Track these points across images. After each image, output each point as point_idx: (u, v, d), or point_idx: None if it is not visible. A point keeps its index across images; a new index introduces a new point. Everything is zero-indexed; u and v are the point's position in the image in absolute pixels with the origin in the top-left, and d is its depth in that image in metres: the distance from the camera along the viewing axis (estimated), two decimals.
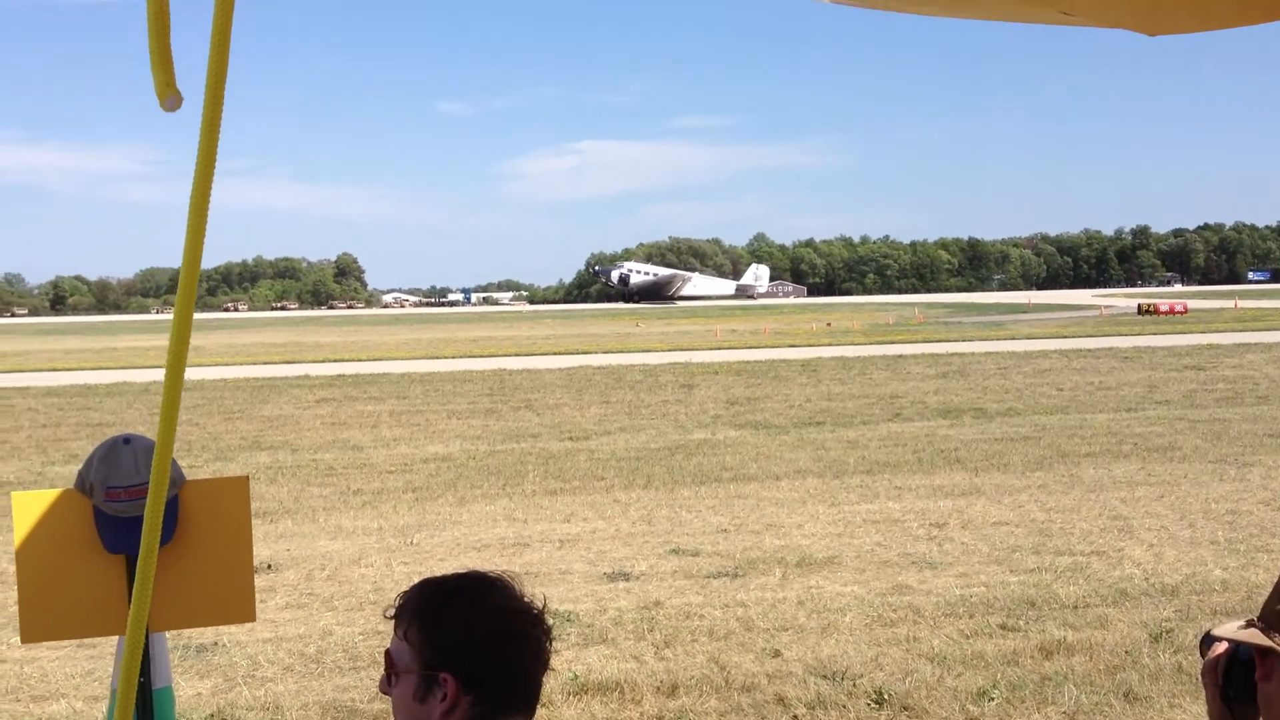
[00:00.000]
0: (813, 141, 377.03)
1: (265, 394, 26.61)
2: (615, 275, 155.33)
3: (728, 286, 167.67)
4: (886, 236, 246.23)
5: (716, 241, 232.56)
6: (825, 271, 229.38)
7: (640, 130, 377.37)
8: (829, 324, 63.83)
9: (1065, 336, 43.90)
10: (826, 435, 17.82)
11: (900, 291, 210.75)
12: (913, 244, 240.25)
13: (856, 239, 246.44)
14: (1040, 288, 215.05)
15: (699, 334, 55.65)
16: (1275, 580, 1.85)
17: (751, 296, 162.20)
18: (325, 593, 8.75)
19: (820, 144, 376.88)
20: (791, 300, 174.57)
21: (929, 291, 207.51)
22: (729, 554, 9.72)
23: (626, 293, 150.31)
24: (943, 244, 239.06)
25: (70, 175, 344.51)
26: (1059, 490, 12.59)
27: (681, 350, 41.00)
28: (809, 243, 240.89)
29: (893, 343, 42.54)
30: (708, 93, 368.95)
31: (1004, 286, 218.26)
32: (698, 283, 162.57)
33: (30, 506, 3.60)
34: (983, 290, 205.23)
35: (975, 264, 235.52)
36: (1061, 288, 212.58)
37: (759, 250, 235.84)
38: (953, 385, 25.23)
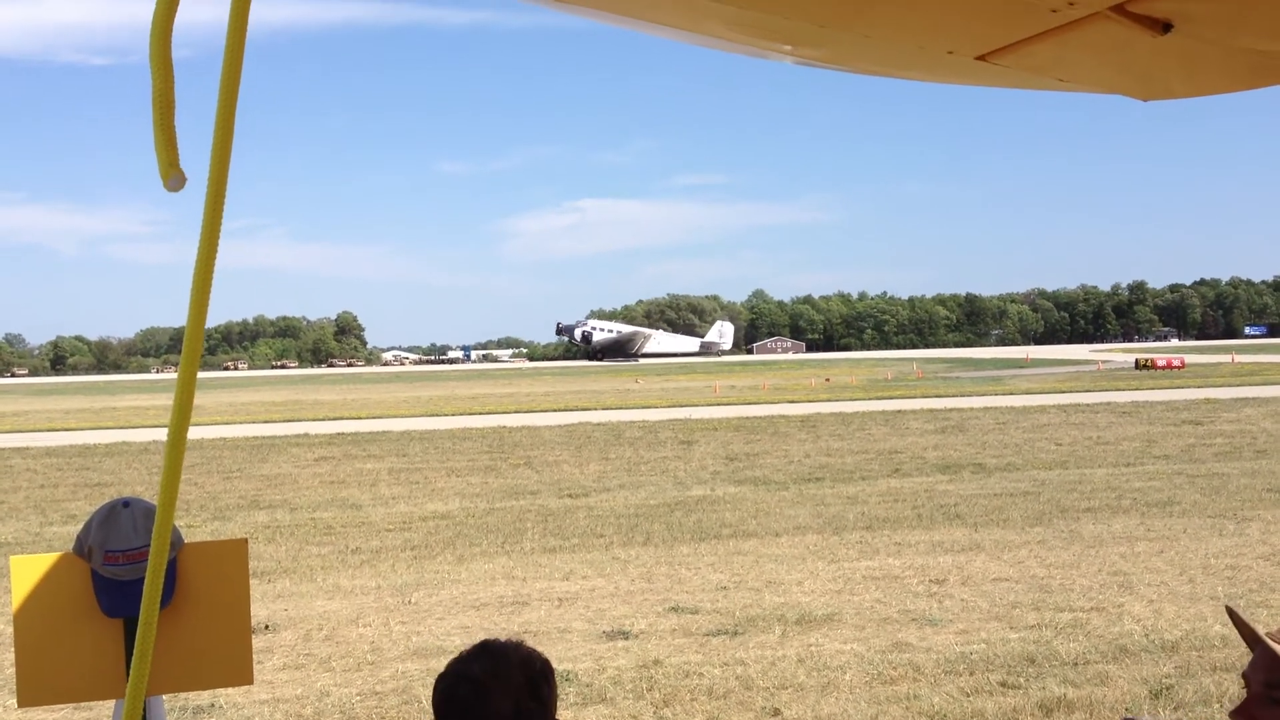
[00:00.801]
0: (811, 199, 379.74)
1: (264, 453, 26.58)
2: (579, 333, 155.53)
3: (691, 344, 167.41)
4: (884, 292, 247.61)
5: (716, 298, 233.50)
6: (824, 327, 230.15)
7: (640, 189, 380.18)
8: (828, 379, 63.90)
9: (1063, 391, 43.93)
10: (826, 491, 17.80)
11: (898, 347, 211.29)
12: (911, 300, 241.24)
13: (855, 295, 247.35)
14: (1038, 343, 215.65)
15: (698, 390, 55.68)
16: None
17: (715, 353, 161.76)
18: (323, 653, 8.71)
19: (818, 201, 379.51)
20: (790, 356, 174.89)
21: (927, 347, 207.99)
22: (728, 611, 9.68)
23: (590, 350, 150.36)
24: (940, 300, 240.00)
25: (71, 236, 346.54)
26: (1059, 546, 12.56)
27: (681, 406, 41.01)
28: (807, 299, 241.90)
29: (891, 398, 42.56)
30: (707, 151, 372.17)
31: (1002, 342, 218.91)
32: (660, 340, 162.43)
33: (29, 570, 3.60)
34: (981, 345, 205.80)
35: (973, 319, 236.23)
36: (1059, 343, 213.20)
37: (757, 306, 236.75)
38: (951, 440, 25.22)
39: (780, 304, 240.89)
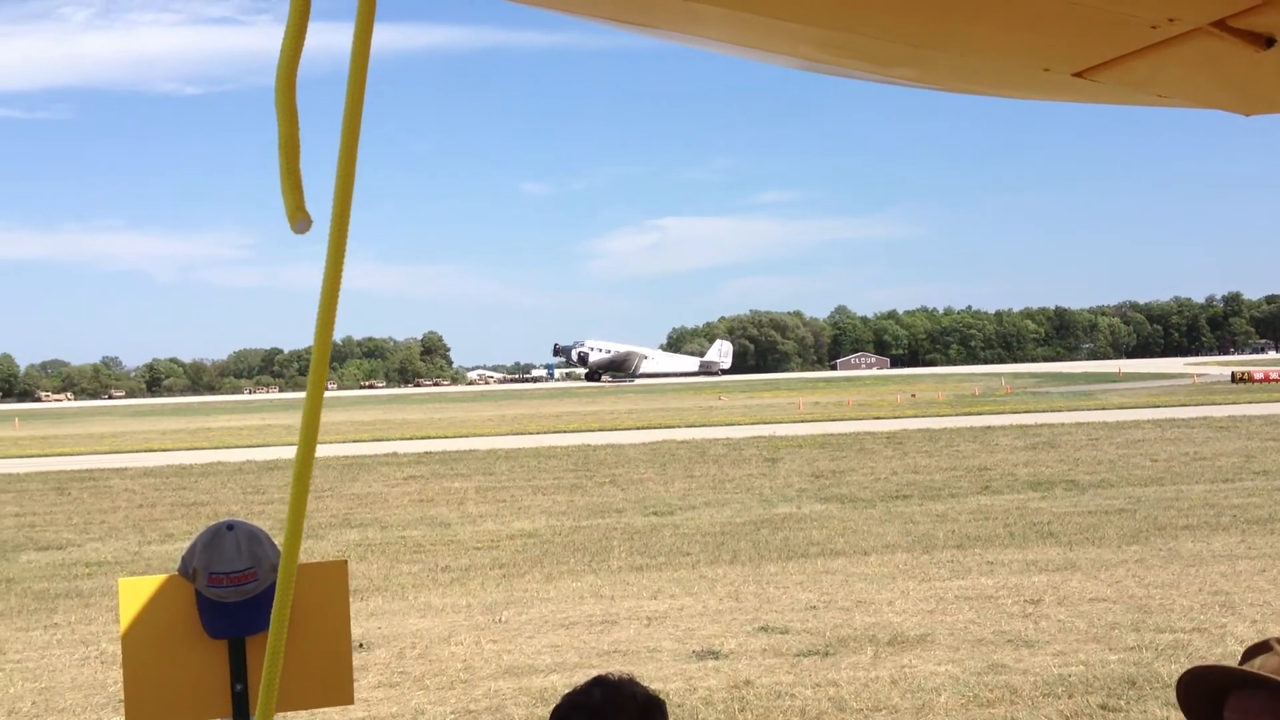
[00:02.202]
0: (894, 213, 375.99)
1: (354, 472, 26.97)
2: (575, 354, 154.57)
3: (691, 363, 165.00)
4: (970, 306, 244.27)
5: (798, 314, 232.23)
6: (908, 343, 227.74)
7: (722, 206, 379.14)
8: (913, 395, 63.19)
9: (1157, 406, 42.93)
10: (914, 509, 17.59)
11: (985, 362, 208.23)
12: (998, 313, 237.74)
13: (940, 310, 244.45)
14: (1130, 356, 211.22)
15: (782, 407, 55.40)
16: None
17: (715, 373, 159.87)
18: (416, 671, 8.81)
19: (902, 215, 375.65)
20: (874, 372, 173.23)
21: (1015, 361, 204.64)
22: (819, 631, 9.61)
23: (588, 371, 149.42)
24: (1028, 313, 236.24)
25: (167, 261, 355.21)
26: (1157, 565, 12.28)
27: (764, 424, 40.83)
28: (891, 314, 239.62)
29: (979, 414, 41.96)
30: (789, 168, 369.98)
31: (1093, 356, 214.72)
32: (658, 359, 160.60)
33: (136, 592, 3.67)
34: (1071, 360, 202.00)
35: (1062, 333, 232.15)
36: (1152, 356, 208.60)
37: (840, 322, 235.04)
38: (1043, 457, 24.79)
39: (863, 319, 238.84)
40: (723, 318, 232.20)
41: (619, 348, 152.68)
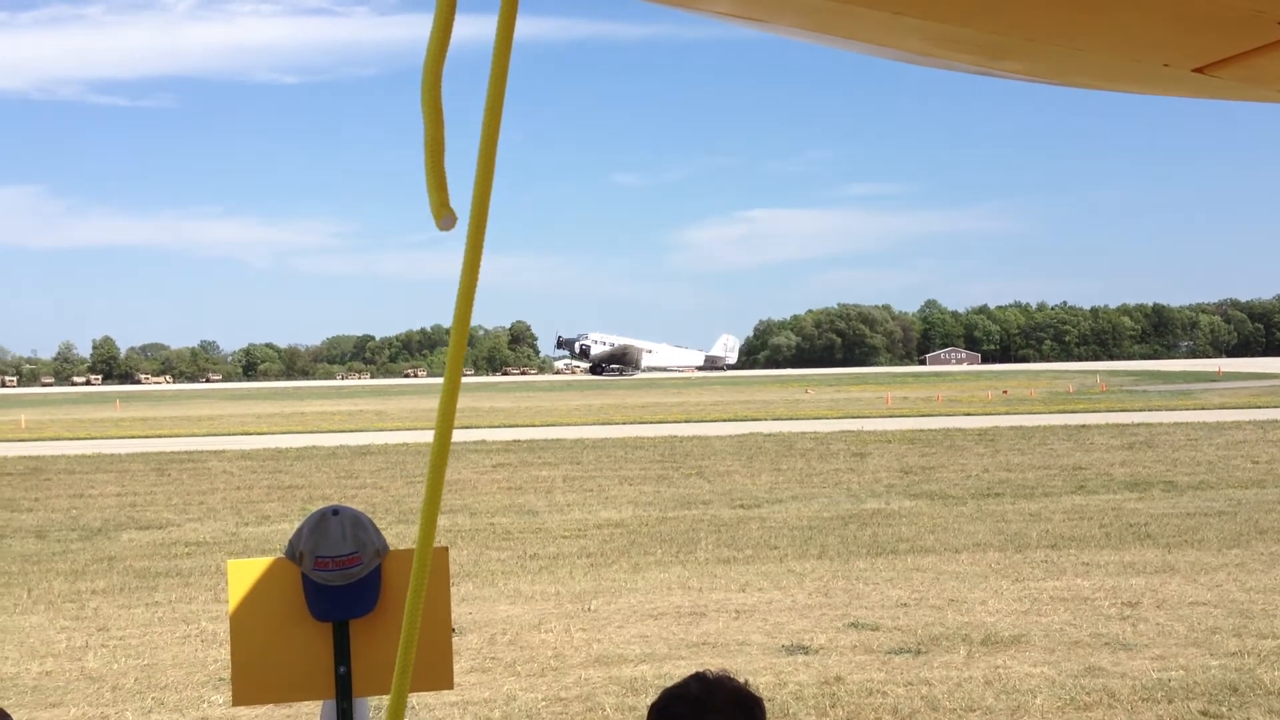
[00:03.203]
0: (986, 207, 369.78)
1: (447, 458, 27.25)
2: (578, 346, 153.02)
3: (696, 357, 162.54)
4: (1065, 302, 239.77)
5: (887, 308, 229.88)
6: (1000, 338, 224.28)
7: (811, 198, 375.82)
8: (1005, 392, 62.21)
9: (1259, 406, 41.74)
10: (1006, 507, 17.32)
11: (1080, 359, 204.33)
12: (1093, 310, 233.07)
13: (1033, 305, 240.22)
14: (1230, 355, 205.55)
15: (869, 401, 54.91)
16: None
17: (720, 368, 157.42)
18: (507, 657, 8.90)
19: (994, 209, 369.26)
20: (965, 368, 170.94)
21: (1111, 359, 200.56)
22: (910, 629, 9.52)
23: (590, 364, 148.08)
24: (1125, 310, 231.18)
25: (263, 248, 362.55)
26: (1259, 569, 11.95)
27: (852, 418, 40.52)
28: (983, 309, 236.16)
29: (1074, 412, 41.17)
30: (880, 160, 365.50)
31: (1192, 354, 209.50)
32: (662, 353, 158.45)
33: (244, 574, 3.74)
34: (1169, 358, 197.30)
35: (1160, 330, 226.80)
36: (1253, 355, 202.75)
37: (930, 316, 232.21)
38: (1140, 456, 24.25)
39: (954, 314, 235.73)
40: (810, 310, 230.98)
41: (619, 340, 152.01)
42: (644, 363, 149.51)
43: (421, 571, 1.52)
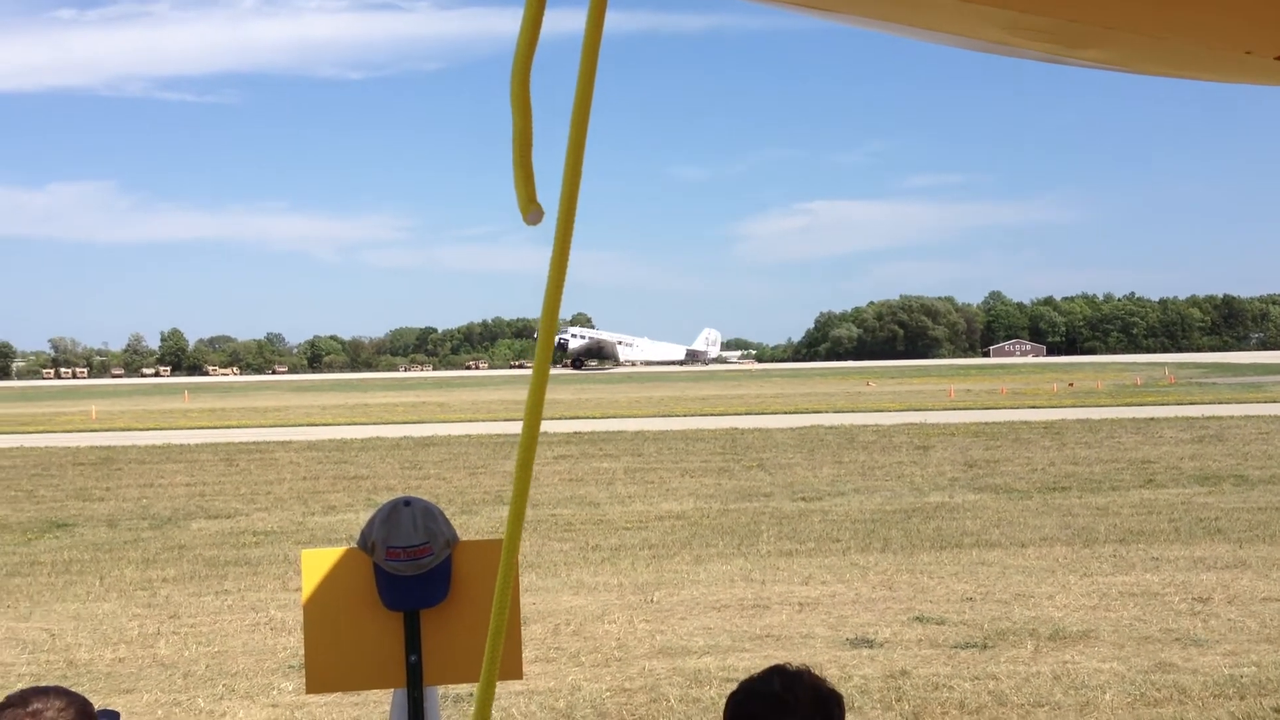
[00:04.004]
0: (1051, 197, 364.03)
1: (506, 450, 27.47)
2: (557, 340, 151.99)
3: (677, 351, 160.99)
4: (1132, 293, 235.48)
5: (950, 300, 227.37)
6: (1065, 330, 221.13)
7: (873, 189, 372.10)
8: (1071, 384, 61.36)
9: None
10: (1073, 501, 17.10)
11: (1148, 351, 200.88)
12: (1162, 301, 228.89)
13: (1100, 296, 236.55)
14: None
15: (932, 393, 54.42)
16: None
17: (703, 362, 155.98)
18: (571, 648, 8.94)
19: (1059, 199, 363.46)
20: (1030, 360, 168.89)
21: (1179, 351, 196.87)
22: (976, 624, 9.43)
23: (570, 359, 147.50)
24: (1194, 301, 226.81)
25: (329, 242, 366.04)
26: None
27: (915, 410, 40.19)
28: (1048, 300, 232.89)
29: (1142, 404, 40.50)
30: (942, 151, 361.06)
31: (1263, 346, 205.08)
32: (644, 347, 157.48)
33: (318, 563, 3.78)
34: (1239, 350, 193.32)
35: (1230, 322, 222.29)
36: None
37: (994, 308, 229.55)
38: (1210, 450, 23.82)
39: (1019, 305, 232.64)
40: (871, 302, 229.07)
41: (596, 334, 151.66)
42: (623, 357, 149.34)
43: (510, 562, 1.53)
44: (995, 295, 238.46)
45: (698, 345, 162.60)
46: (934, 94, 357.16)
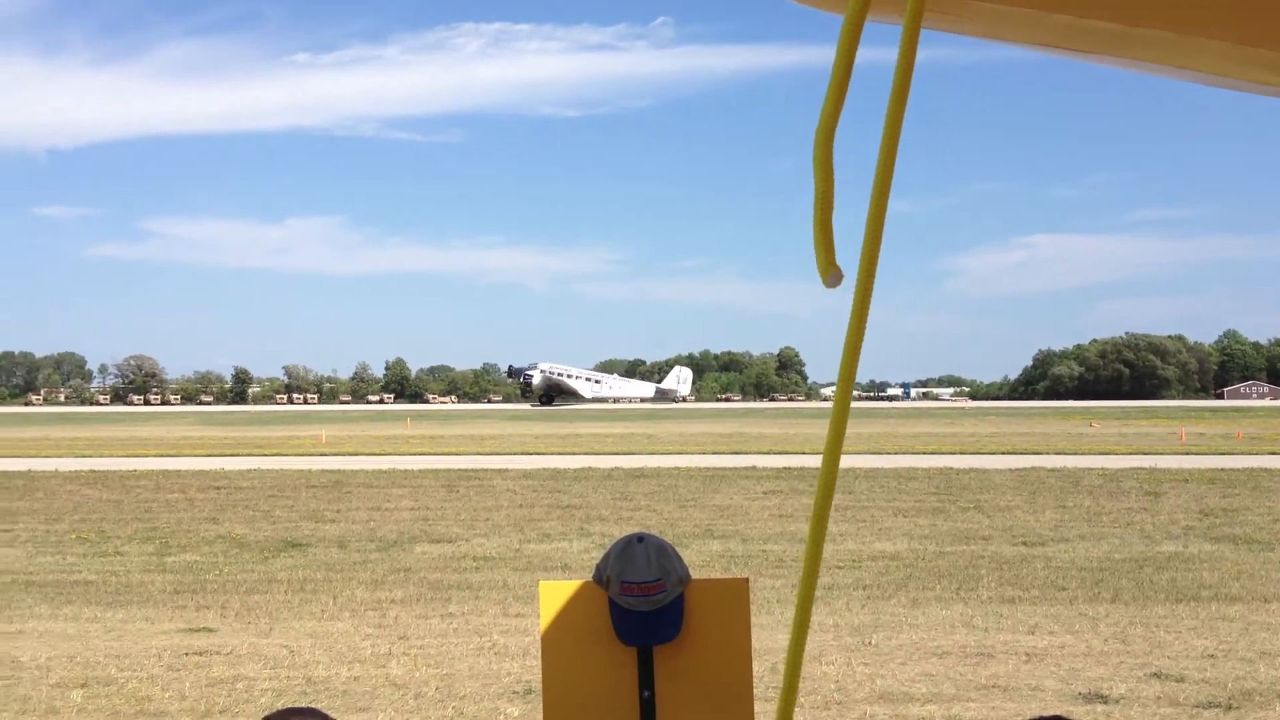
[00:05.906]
0: None
1: (715, 483, 27.52)
2: (523, 377, 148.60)
3: (646, 389, 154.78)
4: None
5: (1180, 338, 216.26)
6: None
7: (1096, 223, 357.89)
8: None
9: None
10: None
11: None
12: None
13: None
14: None
15: (1161, 436, 51.79)
16: None
17: (672, 400, 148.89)
18: None
19: None
20: (1269, 403, 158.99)
21: None
22: (1219, 682, 8.90)
23: (540, 396, 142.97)
24: None
25: (542, 274, 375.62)
26: None
27: (1143, 454, 38.30)
28: None
29: None
30: (1170, 183, 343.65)
31: None
32: (612, 384, 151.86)
33: (555, 595, 3.84)
34: None
35: None
36: None
37: (1229, 348, 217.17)
38: None
39: (1256, 345, 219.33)
40: (1094, 340, 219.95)
41: (557, 369, 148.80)
42: (590, 394, 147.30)
43: (806, 600, 1.51)
44: (1230, 334, 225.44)
45: (668, 383, 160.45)
46: (1159, 123, 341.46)
